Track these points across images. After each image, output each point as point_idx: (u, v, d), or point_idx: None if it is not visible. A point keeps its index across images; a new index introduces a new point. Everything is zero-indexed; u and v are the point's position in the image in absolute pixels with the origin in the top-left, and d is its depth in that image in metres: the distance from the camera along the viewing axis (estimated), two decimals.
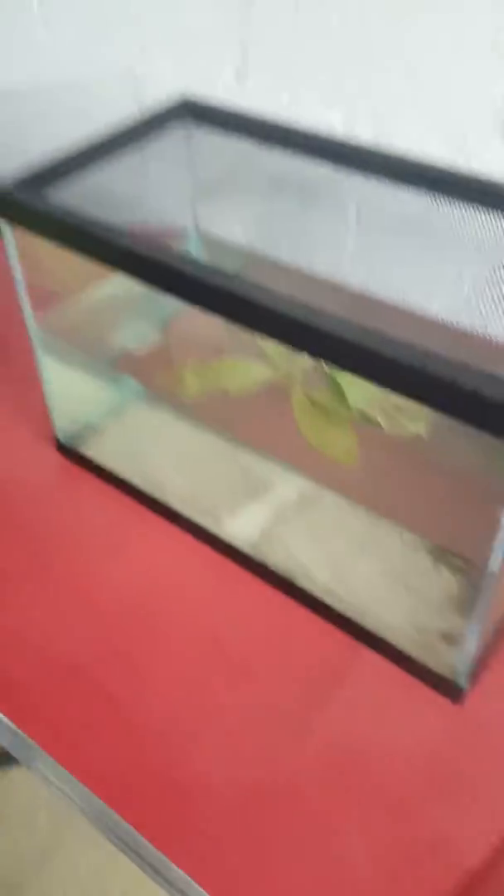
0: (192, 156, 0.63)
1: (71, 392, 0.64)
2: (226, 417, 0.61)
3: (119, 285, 0.65)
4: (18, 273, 0.54)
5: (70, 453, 0.67)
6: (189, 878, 0.43)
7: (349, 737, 0.49)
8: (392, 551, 0.56)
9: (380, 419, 0.50)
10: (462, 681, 0.50)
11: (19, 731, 0.50)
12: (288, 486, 0.60)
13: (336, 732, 0.49)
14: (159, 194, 0.65)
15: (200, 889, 0.43)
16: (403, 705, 0.51)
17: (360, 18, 0.68)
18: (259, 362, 0.56)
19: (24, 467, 0.67)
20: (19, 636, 0.55)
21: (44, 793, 0.99)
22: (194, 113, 0.61)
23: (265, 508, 0.60)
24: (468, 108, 0.66)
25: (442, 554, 0.56)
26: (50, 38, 1.00)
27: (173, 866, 0.44)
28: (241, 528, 0.59)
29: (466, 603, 0.53)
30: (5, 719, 0.50)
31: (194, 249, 0.70)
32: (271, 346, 0.57)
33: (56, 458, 0.67)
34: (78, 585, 0.58)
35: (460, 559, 0.55)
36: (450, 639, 0.52)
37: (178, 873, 0.44)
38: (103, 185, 0.57)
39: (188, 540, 0.61)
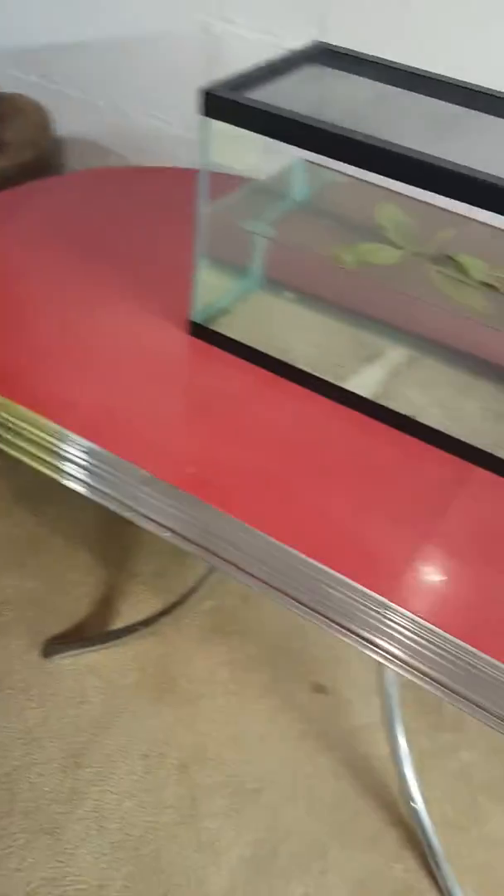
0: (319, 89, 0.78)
1: (211, 279, 0.78)
2: (344, 295, 0.76)
3: (261, 185, 0.80)
4: (205, 169, 0.68)
5: (204, 333, 0.80)
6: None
7: (471, 519, 0.65)
8: (487, 393, 0.72)
9: (497, 285, 0.67)
10: None
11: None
12: (398, 351, 0.76)
13: (460, 518, 0.65)
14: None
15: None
16: None
17: None
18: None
19: (170, 345, 0.80)
20: (209, 455, 0.68)
21: (92, 679, 1.09)
22: (325, 54, 0.76)
23: (381, 368, 0.75)
24: None
25: None
26: None
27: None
28: (362, 383, 0.74)
29: None
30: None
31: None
32: (394, 232, 0.73)
33: (191, 340, 0.81)
34: (232, 425, 0.72)
35: None
36: None
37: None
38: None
39: (316, 397, 0.75)
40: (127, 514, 0.72)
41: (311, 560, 0.61)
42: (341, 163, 0.63)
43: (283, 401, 0.75)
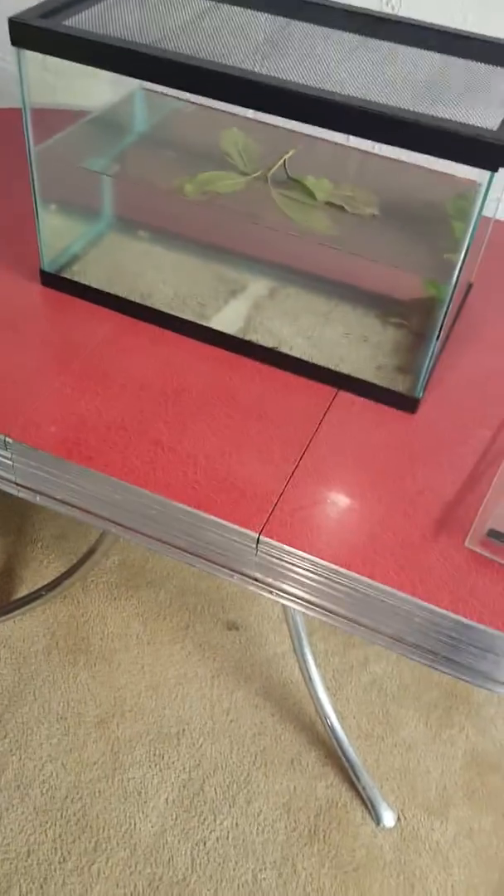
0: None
1: (58, 223, 0.74)
2: (197, 229, 0.73)
3: (100, 118, 0.76)
4: (27, 103, 0.63)
5: (57, 281, 0.76)
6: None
7: (338, 445, 0.65)
8: (349, 320, 0.72)
9: (343, 205, 0.65)
10: (416, 395, 0.67)
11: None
12: (259, 284, 0.74)
13: (328, 445, 0.65)
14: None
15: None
16: (375, 420, 0.68)
17: None
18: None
19: (21, 297, 0.76)
20: (70, 411, 0.66)
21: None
22: None
23: (244, 303, 0.73)
24: None
25: (385, 318, 0.73)
26: None
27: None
28: (225, 319, 0.72)
29: (407, 347, 0.71)
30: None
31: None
32: (238, 158, 0.70)
33: (44, 290, 0.77)
34: (93, 377, 0.69)
35: (398, 319, 0.72)
36: (403, 370, 0.69)
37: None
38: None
39: (180, 338, 0.73)
40: None
41: (183, 506, 0.60)
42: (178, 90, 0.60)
43: (146, 346, 0.72)
